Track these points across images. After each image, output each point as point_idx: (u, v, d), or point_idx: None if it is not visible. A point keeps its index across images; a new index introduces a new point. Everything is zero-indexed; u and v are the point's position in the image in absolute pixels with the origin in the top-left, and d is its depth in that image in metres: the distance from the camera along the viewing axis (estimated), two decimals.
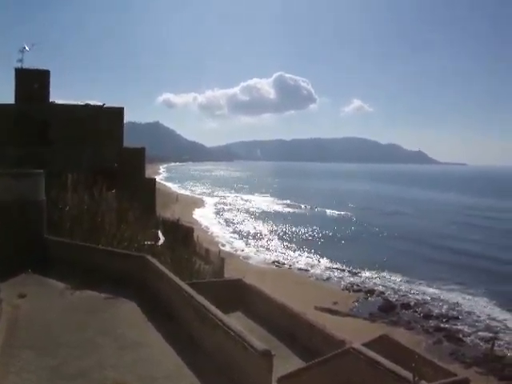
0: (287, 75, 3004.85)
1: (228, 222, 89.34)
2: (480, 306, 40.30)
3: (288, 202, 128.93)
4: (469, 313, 38.78)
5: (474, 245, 68.65)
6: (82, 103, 37.82)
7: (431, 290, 44.94)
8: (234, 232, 78.20)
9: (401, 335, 29.40)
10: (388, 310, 38.90)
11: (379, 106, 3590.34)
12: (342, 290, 45.18)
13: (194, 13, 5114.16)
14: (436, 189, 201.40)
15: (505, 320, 37.01)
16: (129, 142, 40.76)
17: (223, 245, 63.43)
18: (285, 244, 67.66)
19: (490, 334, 33.26)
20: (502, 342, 32.11)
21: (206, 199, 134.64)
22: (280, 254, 60.71)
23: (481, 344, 31.91)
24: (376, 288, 45.62)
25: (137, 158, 37.94)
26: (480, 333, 34.05)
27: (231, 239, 71.38)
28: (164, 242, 28.09)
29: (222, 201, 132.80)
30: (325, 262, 56.49)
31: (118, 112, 37.51)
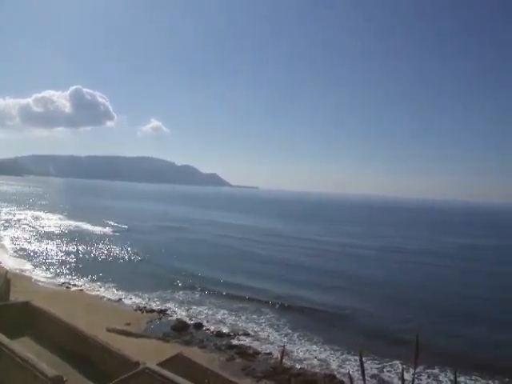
0: (85, 89, 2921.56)
1: (16, 241, 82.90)
2: (267, 324, 42.34)
3: (79, 221, 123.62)
4: (258, 330, 40.44)
5: (260, 265, 72.91)
6: None
7: (222, 310, 46.09)
8: (22, 251, 72.77)
9: (195, 354, 29.79)
10: (181, 329, 39.08)
11: (176, 128, 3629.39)
12: (135, 310, 44.42)
13: None
14: (224, 210, 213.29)
15: (290, 336, 39.35)
16: None
17: (9, 265, 58.78)
18: (76, 265, 64.61)
19: (278, 349, 35.15)
20: (288, 355, 34.25)
21: None
22: (71, 276, 57.84)
23: (270, 358, 33.61)
24: (168, 308, 45.66)
25: None
26: (269, 348, 35.82)
27: (19, 259, 66.39)
28: None
29: (10, 218, 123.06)
30: (114, 282, 54.96)
31: None
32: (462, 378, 31.37)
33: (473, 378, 31.83)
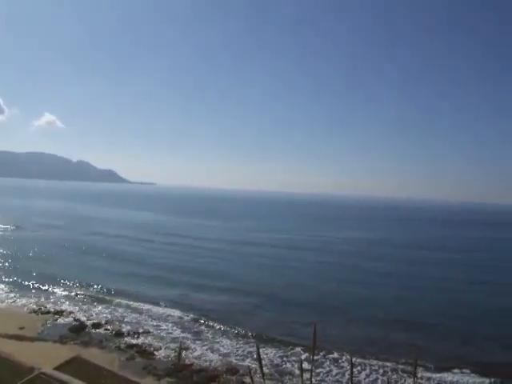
0: None
1: None
2: (167, 322, 41.90)
3: None
4: (158, 327, 40.04)
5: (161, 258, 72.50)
6: None
7: (120, 309, 45.27)
8: None
9: (93, 355, 29.11)
10: (79, 330, 37.85)
11: (72, 123, 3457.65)
12: (29, 313, 42.41)
13: None
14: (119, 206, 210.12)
15: (190, 333, 39.15)
16: None
17: None
18: None
19: (178, 346, 34.93)
20: (189, 352, 34.24)
21: None
22: None
23: (171, 355, 33.33)
24: (65, 308, 44.08)
25: None
26: (169, 345, 35.48)
27: None
28: None
29: None
30: (2, 284, 52.63)
31: None
32: (359, 361, 32.99)
33: (370, 360, 33.57)
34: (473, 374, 31.75)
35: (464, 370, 32.28)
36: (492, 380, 30.95)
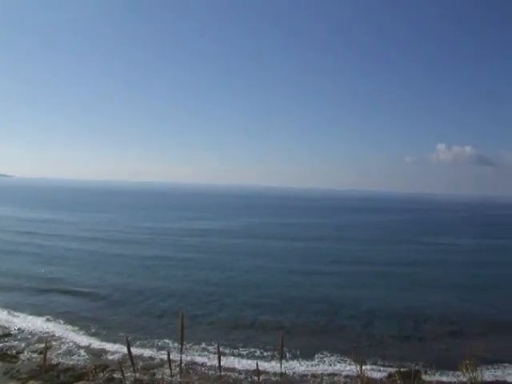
0: None
1: None
2: (29, 322, 40.25)
3: None
4: (20, 328, 38.37)
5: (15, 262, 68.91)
6: None
7: None
8: None
9: None
10: None
11: None
12: None
13: None
14: None
15: (54, 331, 38.03)
16: None
17: None
18: None
19: (43, 345, 33.74)
20: (55, 351, 33.36)
21: None
22: None
23: (35, 356, 32.10)
24: None
25: None
26: (34, 346, 34.21)
27: None
28: None
29: None
30: None
31: None
32: (227, 350, 34.02)
33: (238, 349, 34.70)
34: (335, 358, 33.59)
35: (325, 354, 34.08)
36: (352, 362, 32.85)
